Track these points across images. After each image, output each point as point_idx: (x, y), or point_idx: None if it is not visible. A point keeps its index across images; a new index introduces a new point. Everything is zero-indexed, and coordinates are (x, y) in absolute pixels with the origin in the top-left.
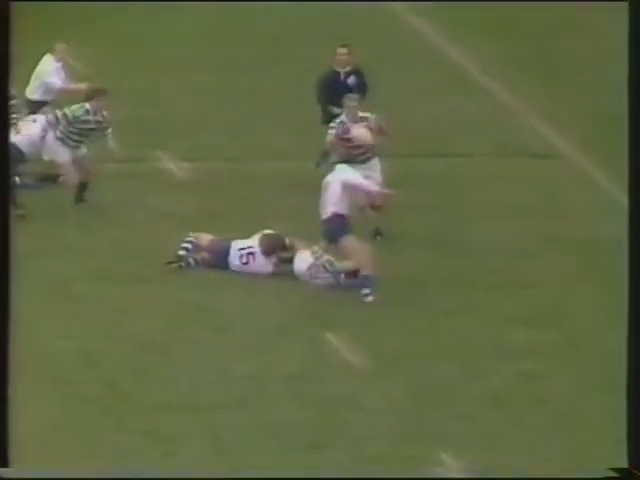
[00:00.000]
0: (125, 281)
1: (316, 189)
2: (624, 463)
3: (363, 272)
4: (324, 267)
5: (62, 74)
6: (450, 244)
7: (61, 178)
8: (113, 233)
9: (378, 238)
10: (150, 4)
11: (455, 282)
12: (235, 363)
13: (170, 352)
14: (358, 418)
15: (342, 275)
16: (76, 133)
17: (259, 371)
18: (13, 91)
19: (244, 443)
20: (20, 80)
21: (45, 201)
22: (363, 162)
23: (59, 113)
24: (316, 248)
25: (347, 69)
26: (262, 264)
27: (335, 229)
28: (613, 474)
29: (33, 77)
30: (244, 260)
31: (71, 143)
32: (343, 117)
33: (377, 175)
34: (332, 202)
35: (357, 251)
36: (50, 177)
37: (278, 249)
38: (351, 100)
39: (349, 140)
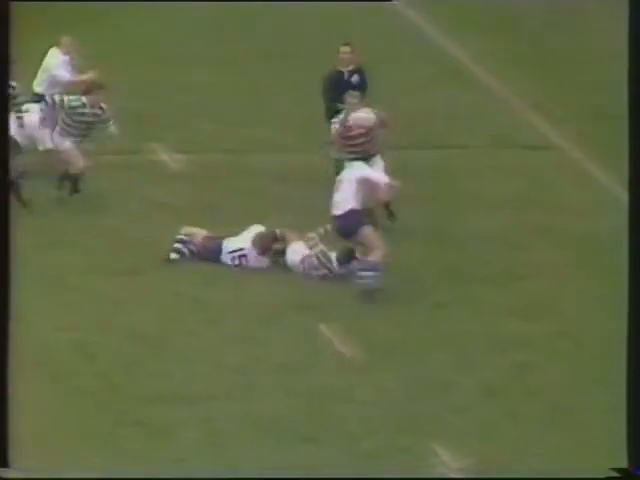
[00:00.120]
0: (119, 273)
1: (312, 181)
2: (618, 454)
3: (371, 258)
4: (317, 258)
5: (69, 67)
6: (445, 236)
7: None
8: (108, 225)
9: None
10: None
11: (449, 274)
12: (228, 355)
13: (163, 344)
14: (351, 410)
15: (335, 265)
16: (74, 125)
17: (252, 363)
18: (18, 87)
19: (237, 435)
20: (23, 76)
21: (38, 193)
22: (365, 159)
23: (57, 98)
24: (313, 234)
25: (350, 68)
26: (256, 261)
27: (351, 224)
28: (614, 474)
29: (40, 70)
30: (236, 262)
31: (71, 133)
32: (345, 114)
33: (380, 169)
34: (346, 198)
35: (376, 242)
36: (67, 176)
37: (272, 244)
38: (352, 97)
39: (350, 136)
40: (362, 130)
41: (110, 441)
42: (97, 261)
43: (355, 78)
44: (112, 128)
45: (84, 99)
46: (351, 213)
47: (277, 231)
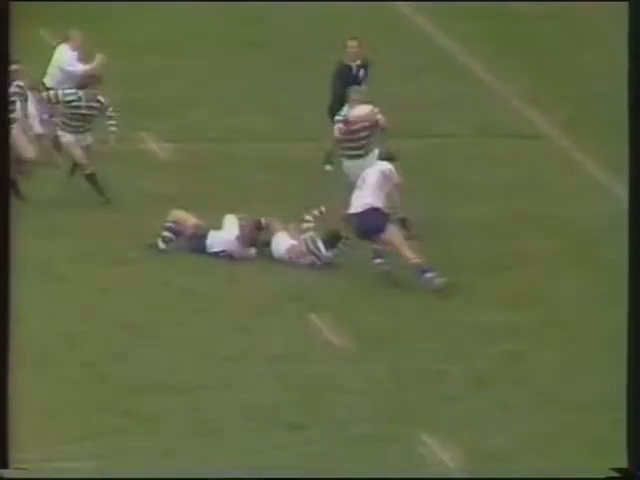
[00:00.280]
0: (108, 262)
1: (300, 170)
2: (606, 438)
3: (415, 261)
4: (306, 244)
5: (79, 61)
6: (432, 225)
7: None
8: (96, 214)
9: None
10: None
11: (437, 263)
12: (217, 345)
13: (153, 333)
14: (341, 399)
15: (323, 251)
16: (70, 118)
17: (242, 352)
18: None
19: (226, 424)
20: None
21: (27, 183)
22: (363, 156)
23: (52, 93)
24: (308, 217)
25: (358, 62)
26: (242, 255)
27: (374, 223)
28: (614, 474)
29: (51, 67)
30: (221, 254)
31: (69, 127)
32: (346, 109)
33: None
34: (366, 194)
35: (403, 241)
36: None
37: (257, 234)
38: (355, 92)
39: (352, 130)
40: (365, 124)
41: (98, 431)
42: (85, 250)
43: (362, 72)
44: (111, 122)
45: (80, 93)
46: (373, 211)
47: (262, 220)
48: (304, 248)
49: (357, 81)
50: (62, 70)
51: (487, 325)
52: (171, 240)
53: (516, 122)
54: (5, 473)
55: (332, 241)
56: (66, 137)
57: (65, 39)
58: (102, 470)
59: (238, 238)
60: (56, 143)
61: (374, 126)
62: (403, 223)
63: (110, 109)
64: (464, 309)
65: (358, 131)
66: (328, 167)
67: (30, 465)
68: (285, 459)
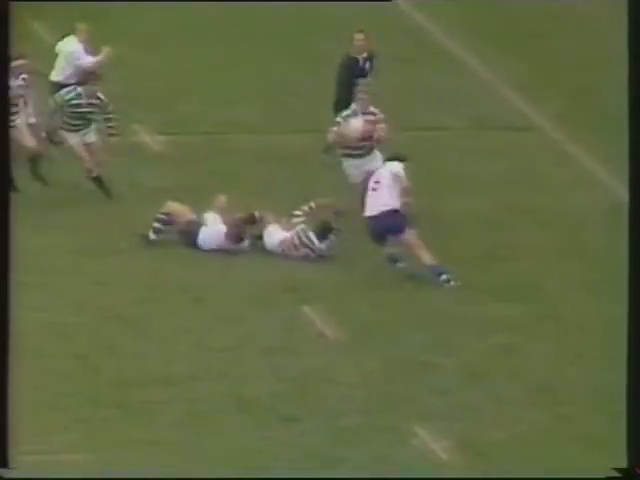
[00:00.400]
0: (101, 254)
1: (294, 162)
2: (601, 435)
3: (430, 262)
4: (298, 236)
5: (86, 53)
6: (426, 218)
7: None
8: (88, 206)
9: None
10: None
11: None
12: (210, 336)
13: (146, 324)
14: (334, 391)
15: (316, 242)
16: (71, 117)
17: (235, 344)
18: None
19: (219, 416)
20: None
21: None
22: (363, 155)
23: (51, 102)
24: (298, 212)
25: (364, 55)
26: (233, 249)
27: (392, 224)
28: (615, 474)
29: (59, 60)
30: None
31: (71, 127)
32: (353, 107)
33: (380, 164)
34: (383, 196)
35: (420, 243)
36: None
37: (244, 230)
38: (363, 92)
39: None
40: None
41: (90, 423)
42: (78, 242)
43: (368, 65)
44: (110, 119)
45: (80, 89)
46: (393, 213)
47: (256, 213)
48: (296, 241)
49: (363, 73)
50: (70, 63)
51: (481, 317)
52: (161, 231)
53: (509, 114)
54: (5, 473)
55: (324, 233)
56: (70, 138)
57: (72, 32)
58: (95, 462)
59: (227, 235)
60: (51, 135)
61: (373, 132)
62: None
63: (110, 107)
64: (458, 301)
65: (353, 144)
66: (323, 156)
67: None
68: (278, 450)
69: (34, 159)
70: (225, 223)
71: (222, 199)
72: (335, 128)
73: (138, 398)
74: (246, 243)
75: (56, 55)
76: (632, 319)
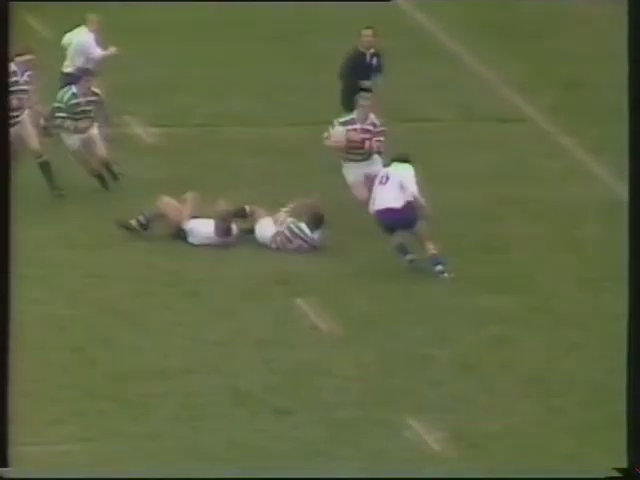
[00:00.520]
0: (94, 246)
1: (286, 154)
2: (593, 426)
3: (433, 251)
4: (289, 229)
5: (97, 44)
6: None
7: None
8: (81, 198)
9: None
10: None
11: (423, 248)
12: (205, 328)
13: (141, 317)
14: (328, 384)
15: (308, 233)
16: (73, 118)
17: (230, 337)
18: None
19: (214, 408)
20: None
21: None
22: (363, 160)
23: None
24: (281, 213)
25: (372, 51)
26: (223, 243)
27: (407, 217)
28: (616, 474)
29: (69, 51)
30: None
31: (74, 129)
32: (354, 114)
33: (380, 168)
34: (395, 189)
35: (427, 234)
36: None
37: (231, 224)
38: (364, 99)
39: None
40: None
41: (86, 416)
42: (72, 234)
43: (375, 61)
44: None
45: (74, 88)
46: (410, 206)
47: (246, 207)
48: (288, 233)
49: (370, 69)
50: (80, 54)
51: (473, 309)
52: (143, 225)
53: (500, 106)
54: (5, 472)
55: (315, 223)
56: (72, 143)
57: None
58: (91, 454)
59: (216, 228)
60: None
61: (371, 138)
62: None
63: (104, 101)
64: (450, 293)
65: (355, 140)
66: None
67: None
68: (272, 443)
69: (45, 164)
70: (213, 217)
71: (190, 196)
72: (326, 133)
73: (134, 391)
74: (233, 237)
75: (50, 47)
76: (632, 319)
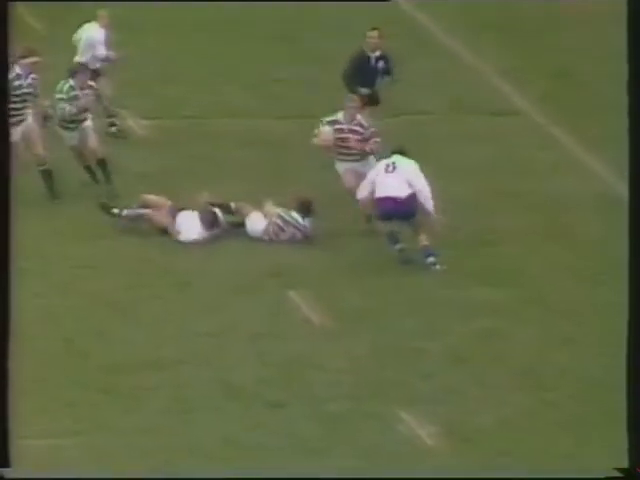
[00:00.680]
0: (86, 238)
1: (275, 146)
2: (584, 419)
3: (426, 242)
4: (281, 218)
5: (107, 41)
6: None
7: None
8: (73, 190)
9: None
10: None
11: (415, 240)
12: (197, 321)
13: (132, 310)
14: (320, 377)
15: (300, 220)
16: (71, 111)
17: (221, 329)
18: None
19: (206, 401)
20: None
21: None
22: (357, 160)
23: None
24: (267, 207)
25: (377, 53)
26: (207, 234)
27: (409, 208)
28: (616, 474)
29: (81, 46)
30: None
31: (69, 125)
32: (340, 116)
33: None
34: (401, 180)
35: (424, 226)
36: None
37: (216, 218)
38: (350, 100)
39: (339, 139)
40: (352, 135)
41: (78, 408)
42: (63, 226)
43: (381, 64)
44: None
45: (71, 81)
46: (411, 199)
47: (232, 204)
48: (281, 222)
49: (375, 72)
50: (90, 49)
51: (465, 302)
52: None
53: (493, 99)
54: (6, 472)
55: (305, 211)
56: (68, 139)
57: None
58: (83, 446)
59: (201, 219)
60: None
61: (362, 138)
62: None
63: (101, 94)
64: (443, 286)
65: (344, 139)
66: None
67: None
68: (264, 436)
69: (46, 173)
70: (198, 209)
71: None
72: (316, 131)
73: (126, 383)
74: (221, 228)
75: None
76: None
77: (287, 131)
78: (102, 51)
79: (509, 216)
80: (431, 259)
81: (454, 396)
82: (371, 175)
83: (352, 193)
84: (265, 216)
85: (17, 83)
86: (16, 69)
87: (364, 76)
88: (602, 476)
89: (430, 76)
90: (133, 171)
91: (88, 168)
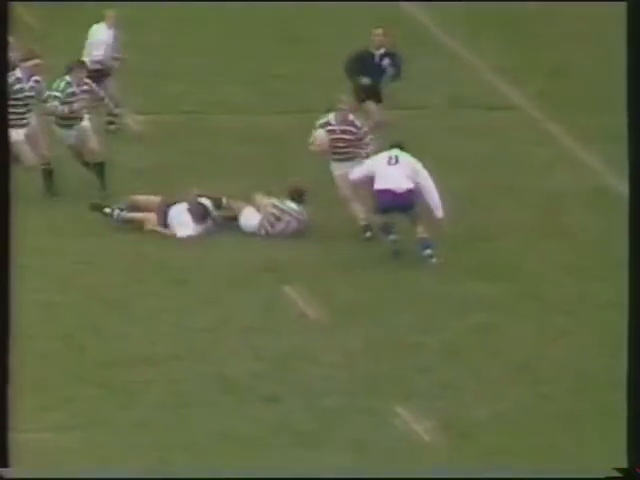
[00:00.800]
0: (82, 234)
1: (274, 142)
2: (580, 414)
3: (424, 235)
4: (275, 207)
5: (114, 41)
6: None
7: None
8: (69, 185)
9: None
10: None
11: (411, 235)
12: (193, 316)
13: (127, 305)
14: (315, 371)
15: (295, 207)
16: (70, 110)
17: (217, 324)
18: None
19: (201, 395)
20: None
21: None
22: (350, 159)
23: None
24: (260, 199)
25: (382, 51)
26: (197, 227)
27: (409, 200)
28: (615, 474)
29: (88, 46)
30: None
31: (66, 122)
32: (331, 117)
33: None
34: (404, 177)
35: (422, 218)
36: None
37: (206, 213)
38: (343, 102)
39: (333, 139)
40: (346, 136)
41: (74, 402)
42: (60, 221)
43: (386, 61)
44: (108, 103)
45: (68, 78)
46: (410, 192)
47: (223, 199)
48: (276, 211)
49: (379, 69)
50: (99, 48)
51: (462, 297)
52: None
53: (489, 94)
54: (5, 472)
55: (298, 198)
56: (66, 137)
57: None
58: (79, 441)
59: (192, 216)
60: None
61: (355, 139)
62: None
63: (102, 92)
64: (439, 280)
65: (338, 140)
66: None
67: None
68: (258, 430)
69: (47, 172)
70: (187, 202)
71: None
72: (312, 139)
73: (121, 378)
74: (213, 222)
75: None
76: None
77: (287, 127)
78: (109, 52)
79: (506, 211)
80: (428, 251)
81: (450, 391)
82: (371, 164)
83: (346, 200)
84: (258, 210)
85: (18, 87)
86: (17, 72)
87: (366, 71)
88: (602, 476)
89: (428, 72)
90: (132, 167)
91: (86, 164)
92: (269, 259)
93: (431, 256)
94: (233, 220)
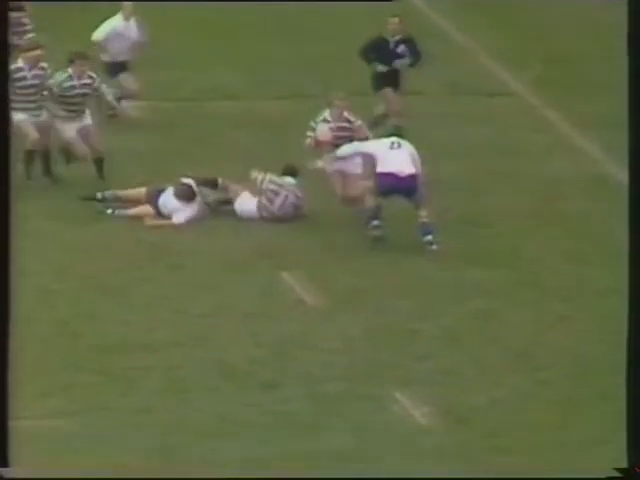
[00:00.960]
0: (79, 220)
1: (270, 128)
2: (578, 400)
3: (426, 219)
4: (272, 182)
5: (131, 30)
6: None
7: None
8: (66, 172)
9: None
10: None
11: (409, 221)
12: (190, 302)
13: (125, 291)
14: (314, 357)
15: (290, 182)
16: (68, 102)
17: (215, 310)
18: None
19: (199, 381)
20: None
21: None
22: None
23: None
24: (255, 173)
25: (397, 38)
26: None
27: (415, 187)
28: (615, 474)
29: (105, 38)
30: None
31: (68, 115)
32: (327, 115)
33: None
34: (408, 162)
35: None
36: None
37: (194, 194)
38: (339, 99)
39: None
40: (341, 133)
41: (72, 389)
42: (57, 207)
43: (401, 48)
44: (109, 97)
45: (70, 70)
46: (414, 177)
47: (219, 179)
48: (273, 186)
49: (394, 56)
50: (115, 40)
51: (460, 283)
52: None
53: (486, 80)
54: (5, 472)
55: (292, 173)
56: (66, 130)
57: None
58: (76, 428)
59: (177, 197)
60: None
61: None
62: None
63: (104, 86)
64: (437, 267)
65: (335, 137)
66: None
67: None
68: (257, 417)
69: (45, 156)
70: (172, 185)
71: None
72: (309, 133)
73: (120, 365)
74: (202, 206)
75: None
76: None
77: (283, 112)
78: (126, 44)
79: (504, 197)
80: (429, 237)
81: (449, 377)
82: (371, 146)
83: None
84: (253, 194)
85: (20, 75)
86: (19, 62)
87: (382, 58)
88: (602, 476)
89: (426, 59)
90: (128, 153)
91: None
92: (267, 245)
93: (431, 242)
94: (228, 204)
